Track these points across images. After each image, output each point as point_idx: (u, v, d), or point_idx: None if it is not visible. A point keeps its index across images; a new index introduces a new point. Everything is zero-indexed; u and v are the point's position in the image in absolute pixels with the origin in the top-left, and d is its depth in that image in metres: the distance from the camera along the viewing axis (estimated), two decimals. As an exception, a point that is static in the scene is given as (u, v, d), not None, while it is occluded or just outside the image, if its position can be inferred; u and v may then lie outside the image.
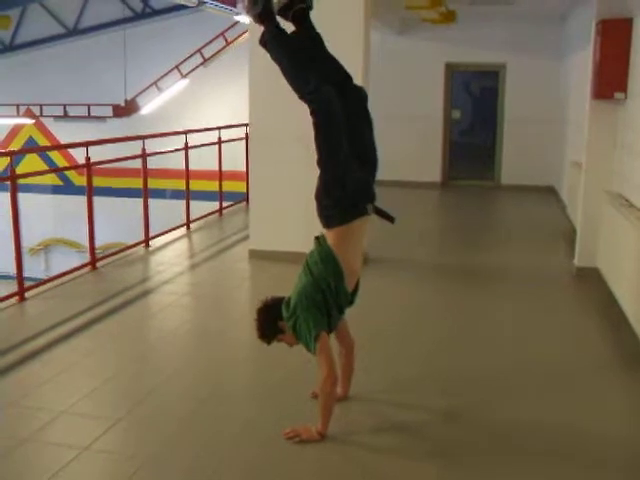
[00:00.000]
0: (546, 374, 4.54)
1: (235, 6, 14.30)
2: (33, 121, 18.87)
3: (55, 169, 16.98)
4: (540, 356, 4.85)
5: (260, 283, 6.75)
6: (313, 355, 3.52)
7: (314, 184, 3.58)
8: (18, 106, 18.92)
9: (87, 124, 18.15)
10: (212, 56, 17.18)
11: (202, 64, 17.33)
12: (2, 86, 18.80)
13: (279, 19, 3.64)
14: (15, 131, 19.72)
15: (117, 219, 15.46)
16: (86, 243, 7.23)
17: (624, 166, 6.22)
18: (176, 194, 13.18)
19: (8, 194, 5.84)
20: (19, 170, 6.11)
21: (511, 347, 5.03)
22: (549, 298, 6.24)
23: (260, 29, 3.65)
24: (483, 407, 4.05)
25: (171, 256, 7.74)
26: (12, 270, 6.23)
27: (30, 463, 3.42)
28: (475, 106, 14.65)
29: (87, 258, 7.18)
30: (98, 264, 7.08)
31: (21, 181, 6.11)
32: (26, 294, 5.99)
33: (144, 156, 7.96)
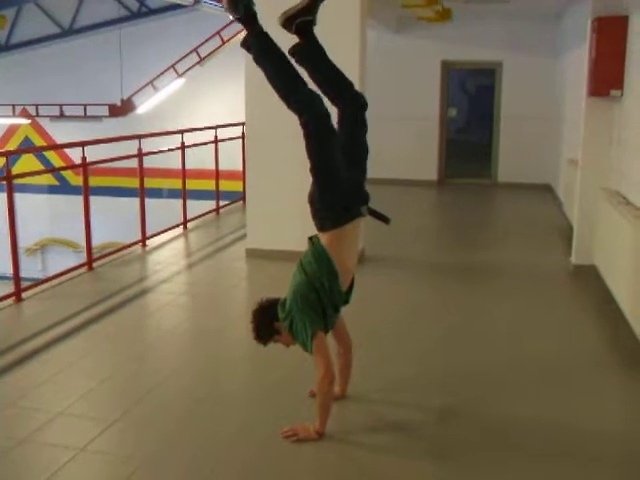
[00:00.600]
0: (543, 371, 4.55)
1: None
2: (29, 121, 18.84)
3: (51, 169, 16.94)
4: (537, 353, 4.85)
5: (257, 282, 6.75)
6: (310, 355, 3.52)
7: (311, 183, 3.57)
8: (14, 106, 18.88)
9: (83, 124, 18.13)
10: (208, 55, 17.15)
11: (198, 63, 17.30)
12: (-2, 86, 18.80)
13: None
14: (11, 131, 19.68)
15: (114, 219, 15.42)
16: (83, 243, 7.22)
17: (620, 163, 6.23)
18: (173, 193, 13.16)
19: (4, 194, 5.83)
20: (15, 170, 6.11)
21: (508, 344, 5.04)
22: (546, 295, 6.24)
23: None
24: (480, 405, 4.06)
25: (168, 255, 7.73)
26: (8, 270, 6.22)
27: (27, 464, 3.41)
28: (471, 104, 14.66)
29: (84, 258, 7.17)
30: (95, 264, 7.07)
31: (17, 181, 6.09)
32: (23, 294, 5.97)
33: (140, 155, 7.95)
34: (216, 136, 9.97)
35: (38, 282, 6.41)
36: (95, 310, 5.72)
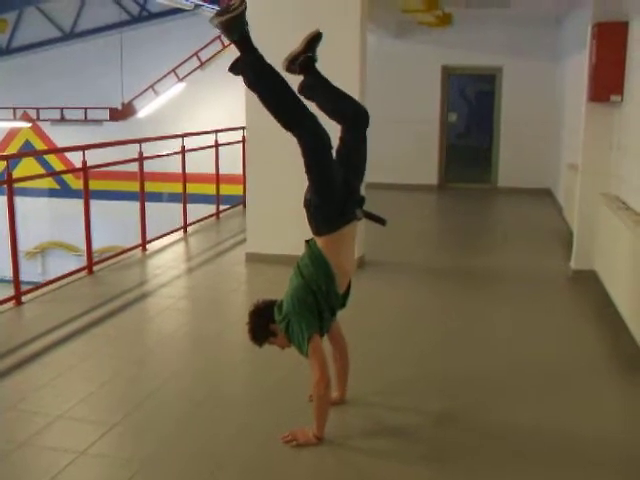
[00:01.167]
0: (542, 376, 4.55)
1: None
2: (30, 124, 18.86)
3: (52, 173, 16.98)
4: (536, 358, 4.85)
5: (257, 286, 6.75)
6: (305, 357, 3.53)
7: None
8: (15, 109, 18.91)
9: (84, 127, 18.15)
10: (209, 59, 17.20)
11: (199, 67, 17.35)
12: (-1, 90, 18.83)
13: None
14: (12, 135, 19.71)
15: (114, 222, 15.44)
16: (83, 246, 7.22)
17: (620, 168, 6.23)
18: (173, 197, 13.17)
19: (4, 197, 5.84)
20: (16, 174, 6.11)
21: (507, 349, 5.04)
22: (546, 300, 6.24)
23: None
24: (479, 409, 4.06)
25: (168, 259, 7.74)
26: (9, 273, 6.22)
27: (27, 467, 3.41)
28: (472, 109, 14.67)
29: (84, 261, 7.17)
30: (95, 268, 7.07)
31: (18, 184, 6.10)
32: (23, 298, 5.98)
33: (141, 159, 7.96)
34: (216, 140, 9.98)
35: (38, 285, 6.41)
36: (95, 314, 5.72)
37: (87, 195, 6.99)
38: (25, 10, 18.53)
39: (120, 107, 18.13)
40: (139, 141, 8.13)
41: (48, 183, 18.35)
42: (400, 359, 4.80)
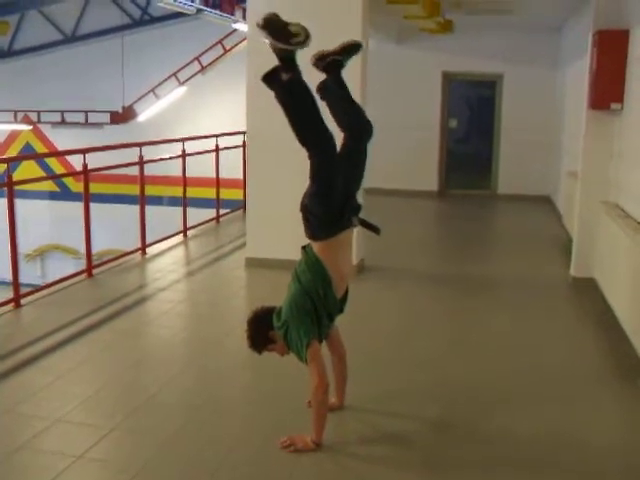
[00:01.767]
0: (541, 383, 4.55)
1: (233, 14, 14.33)
2: (30, 127, 18.86)
3: (52, 176, 16.96)
4: (535, 365, 4.85)
5: (256, 291, 6.74)
6: (304, 364, 3.53)
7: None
8: (16, 112, 18.91)
9: (84, 131, 18.15)
10: (210, 64, 17.21)
11: (200, 72, 17.36)
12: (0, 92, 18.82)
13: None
14: (12, 137, 19.71)
15: (114, 226, 15.44)
16: (82, 249, 7.21)
17: (620, 176, 6.24)
18: (173, 201, 13.17)
19: (5, 200, 5.84)
20: (16, 176, 6.11)
21: (506, 356, 5.03)
22: (545, 308, 6.24)
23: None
24: (477, 416, 4.05)
25: (168, 263, 7.73)
26: (8, 276, 6.22)
27: (24, 471, 3.41)
28: (472, 115, 14.68)
29: (83, 264, 7.17)
30: (94, 271, 7.06)
31: (18, 187, 6.10)
32: (22, 300, 5.97)
33: (141, 163, 7.96)
34: (217, 144, 9.99)
35: (37, 288, 6.41)
36: (94, 317, 5.71)
37: (87, 198, 6.99)
38: (27, 13, 18.54)
39: (121, 110, 18.13)
40: (140, 144, 8.13)
41: (48, 186, 18.35)
42: (399, 365, 4.80)
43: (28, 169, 15.09)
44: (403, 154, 12.65)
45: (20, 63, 19.01)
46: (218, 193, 10.05)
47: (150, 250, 8.12)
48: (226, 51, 16.89)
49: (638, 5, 5.92)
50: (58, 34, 18.79)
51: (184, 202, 9.08)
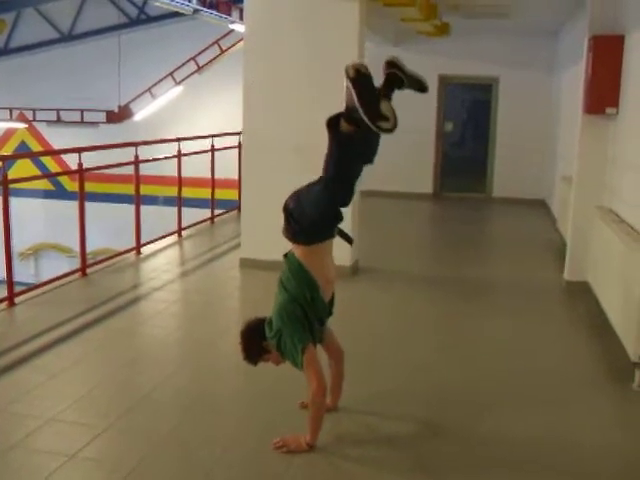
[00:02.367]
0: (535, 386, 4.56)
1: (230, 14, 14.34)
2: (26, 125, 18.83)
3: (48, 174, 16.95)
4: (529, 368, 4.86)
5: (251, 292, 6.75)
6: (300, 370, 3.54)
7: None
8: (11, 110, 18.88)
9: (80, 129, 18.13)
10: (206, 64, 17.21)
11: (196, 72, 17.36)
12: (-5, 90, 18.79)
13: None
14: (7, 135, 19.67)
15: (108, 225, 15.42)
16: (77, 248, 7.21)
17: (614, 181, 6.26)
18: (168, 201, 13.17)
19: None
20: (11, 174, 6.10)
21: (499, 360, 5.05)
22: (538, 311, 6.26)
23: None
24: (471, 419, 4.06)
25: (162, 263, 7.73)
26: (2, 274, 6.21)
27: (17, 470, 3.40)
28: (468, 119, 14.71)
29: (77, 263, 7.16)
30: (88, 270, 7.05)
31: (12, 185, 6.09)
32: (16, 299, 5.96)
33: (137, 163, 7.96)
34: (213, 145, 9.99)
35: (31, 287, 6.40)
36: (88, 316, 5.71)
37: (82, 197, 6.98)
38: (23, 11, 18.51)
39: (117, 110, 18.11)
40: (135, 144, 8.13)
41: (43, 184, 18.32)
42: (392, 367, 4.81)
43: (23, 167, 15.07)
44: (399, 157, 12.59)
45: (16, 61, 18.97)
46: (213, 193, 10.05)
47: (145, 250, 8.11)
48: (223, 51, 16.90)
49: (633, 10, 5.94)
50: (55, 32, 18.76)
51: (179, 202, 9.08)
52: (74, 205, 7.19)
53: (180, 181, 9.10)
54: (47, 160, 18.34)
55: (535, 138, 12.35)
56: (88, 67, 18.22)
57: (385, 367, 4.80)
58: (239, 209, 9.75)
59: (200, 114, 17.24)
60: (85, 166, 6.96)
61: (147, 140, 9.03)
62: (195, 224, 9.65)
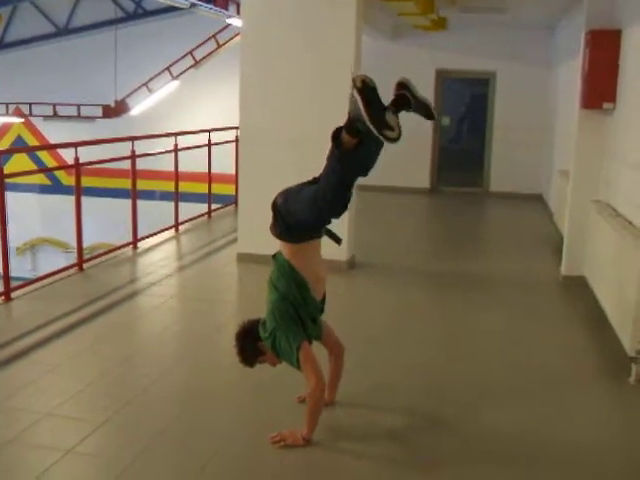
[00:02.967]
0: (531, 381, 4.57)
1: (227, 9, 14.30)
2: (22, 120, 18.77)
3: (44, 169, 16.89)
4: (526, 363, 4.87)
5: (248, 286, 6.75)
6: (297, 369, 3.54)
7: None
8: (7, 105, 18.81)
9: (76, 124, 18.06)
10: (203, 58, 17.16)
11: (193, 66, 17.31)
12: (-9, 84, 18.73)
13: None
14: (3, 130, 19.61)
15: (105, 220, 15.39)
16: (73, 243, 7.19)
17: (611, 175, 6.26)
18: (165, 195, 13.15)
19: (-4, 193, 5.81)
20: (7, 169, 6.08)
21: (496, 354, 5.05)
22: (535, 306, 6.27)
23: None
24: (469, 414, 4.07)
25: (159, 258, 7.72)
26: (-2, 269, 6.19)
27: (13, 465, 3.40)
28: (465, 113, 14.71)
29: (74, 258, 7.15)
30: (85, 265, 7.05)
31: (9, 180, 6.07)
32: (12, 294, 5.96)
33: (133, 157, 7.94)
34: (209, 139, 9.97)
35: (28, 282, 6.39)
36: (85, 311, 5.70)
37: (79, 192, 6.97)
38: (19, 5, 18.44)
39: (113, 104, 18.05)
40: (132, 139, 8.12)
41: (39, 179, 18.25)
42: (389, 362, 4.81)
43: (19, 162, 15.03)
44: (395, 151, 12.57)
45: (12, 55, 18.89)
46: (210, 188, 10.04)
47: (141, 244, 8.11)
48: (220, 46, 16.84)
49: (630, 5, 5.94)
50: (51, 27, 18.69)
51: (176, 197, 9.07)
52: (70, 200, 7.18)
53: (177, 176, 9.09)
54: (43, 155, 18.30)
55: (532, 133, 12.34)
56: (84, 61, 18.15)
57: (382, 361, 4.80)
58: (236, 204, 9.74)
59: (197, 109, 17.19)
60: (81, 161, 6.95)
61: (144, 135, 9.01)
62: (192, 219, 9.64)
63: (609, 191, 6.29)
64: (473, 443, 3.70)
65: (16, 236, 15.57)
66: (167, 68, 17.39)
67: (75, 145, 6.98)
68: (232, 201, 10.55)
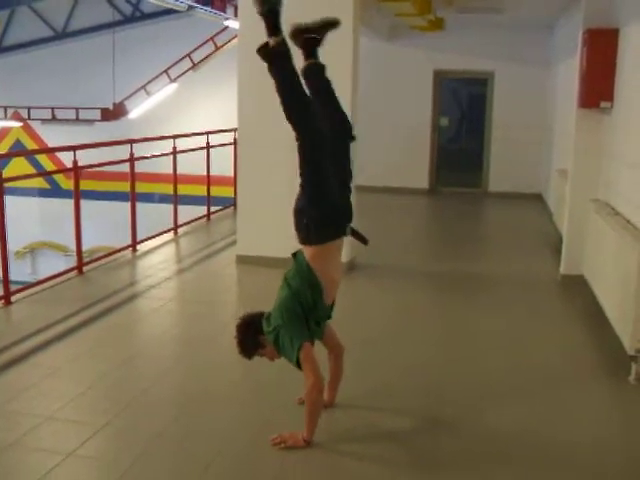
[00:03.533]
0: (531, 381, 4.57)
1: (224, 11, 14.31)
2: (21, 124, 18.77)
3: (43, 173, 16.92)
4: (525, 362, 4.87)
5: (247, 288, 6.75)
6: (295, 367, 3.54)
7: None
8: (6, 108, 18.82)
9: (75, 127, 18.06)
10: (201, 61, 17.16)
11: (191, 69, 17.30)
12: (-10, 88, 18.73)
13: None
14: (2, 134, 19.62)
15: (104, 223, 15.39)
16: (73, 246, 7.20)
17: (610, 174, 6.27)
18: (164, 198, 13.15)
19: (-5, 197, 5.81)
20: (6, 173, 6.08)
21: (496, 354, 5.05)
22: (534, 305, 6.27)
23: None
24: (469, 415, 4.07)
25: (158, 261, 7.72)
26: (-2, 273, 6.19)
27: (14, 468, 3.40)
28: (463, 113, 14.71)
29: (73, 261, 7.14)
30: (85, 268, 7.04)
31: (8, 184, 6.07)
32: (12, 298, 5.95)
33: (132, 160, 7.95)
34: (208, 142, 9.97)
35: (28, 285, 6.39)
36: (84, 315, 5.70)
37: (78, 195, 6.97)
38: (17, 9, 18.46)
39: (112, 107, 18.05)
40: (130, 142, 8.12)
41: (38, 183, 18.27)
42: (389, 363, 4.81)
43: (18, 166, 15.03)
44: (394, 152, 12.67)
45: (10, 59, 18.91)
46: (209, 190, 10.04)
47: (141, 247, 8.11)
48: (217, 48, 16.84)
49: (628, 4, 5.94)
50: (49, 30, 18.71)
51: (175, 199, 9.07)
52: (70, 203, 7.18)
53: (175, 178, 9.09)
54: (42, 158, 18.30)
55: (531, 132, 12.35)
56: (82, 65, 18.17)
57: (382, 363, 4.80)
58: (235, 206, 9.74)
59: (195, 111, 17.22)
60: (80, 164, 6.95)
61: (142, 137, 9.01)
62: (191, 221, 9.65)
63: (608, 190, 6.29)
64: (473, 443, 3.70)
65: (15, 240, 15.58)
66: (165, 71, 17.39)
67: (74, 148, 6.98)
68: (231, 203, 10.55)
